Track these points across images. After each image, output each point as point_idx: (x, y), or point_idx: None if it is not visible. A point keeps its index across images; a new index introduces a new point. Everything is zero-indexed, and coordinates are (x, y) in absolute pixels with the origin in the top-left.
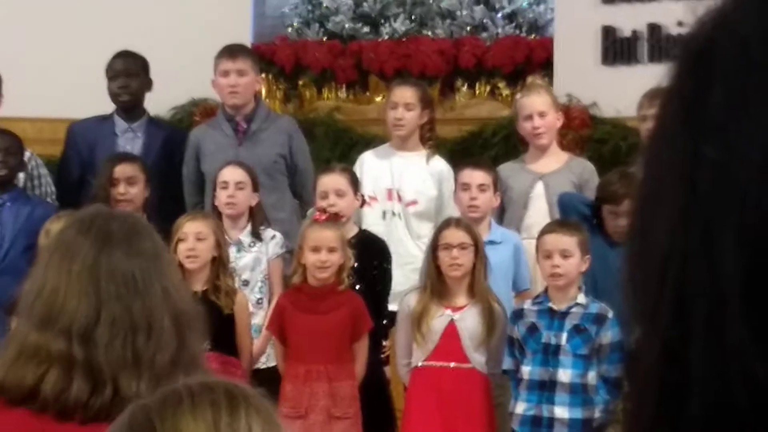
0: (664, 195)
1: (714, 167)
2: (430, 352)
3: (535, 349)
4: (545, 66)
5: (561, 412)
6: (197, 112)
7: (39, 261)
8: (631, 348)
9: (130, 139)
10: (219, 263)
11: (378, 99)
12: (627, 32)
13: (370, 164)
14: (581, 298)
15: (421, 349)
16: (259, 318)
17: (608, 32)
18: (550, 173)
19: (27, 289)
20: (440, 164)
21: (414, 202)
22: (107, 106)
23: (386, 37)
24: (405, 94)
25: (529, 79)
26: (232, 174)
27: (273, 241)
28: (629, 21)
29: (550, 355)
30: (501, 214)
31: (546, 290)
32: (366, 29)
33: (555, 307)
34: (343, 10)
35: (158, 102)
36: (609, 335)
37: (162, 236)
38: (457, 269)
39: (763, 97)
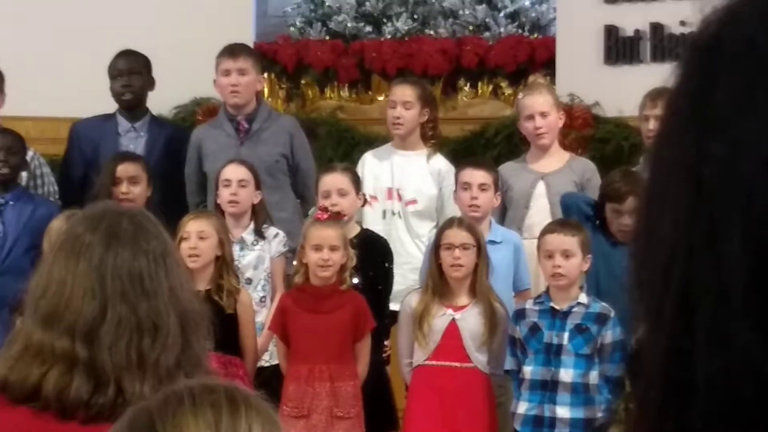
0: (670, 192)
1: (720, 164)
2: (432, 351)
3: (537, 348)
4: (548, 65)
5: (563, 411)
6: (200, 111)
7: (45, 257)
8: (633, 346)
9: (133, 138)
10: (223, 263)
11: (380, 98)
12: (629, 32)
13: (371, 164)
14: (583, 298)
15: (423, 348)
16: (262, 316)
17: (611, 31)
18: (551, 173)
19: (33, 286)
20: (440, 163)
21: (413, 201)
22: (110, 106)
23: (389, 36)
24: (403, 92)
25: (531, 78)
26: (234, 172)
27: (276, 239)
28: (632, 20)
29: (551, 354)
30: (502, 214)
31: (547, 290)
32: (368, 28)
33: (556, 307)
34: (346, 9)
35: (161, 101)
36: (610, 335)
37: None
38: (458, 269)
39: None
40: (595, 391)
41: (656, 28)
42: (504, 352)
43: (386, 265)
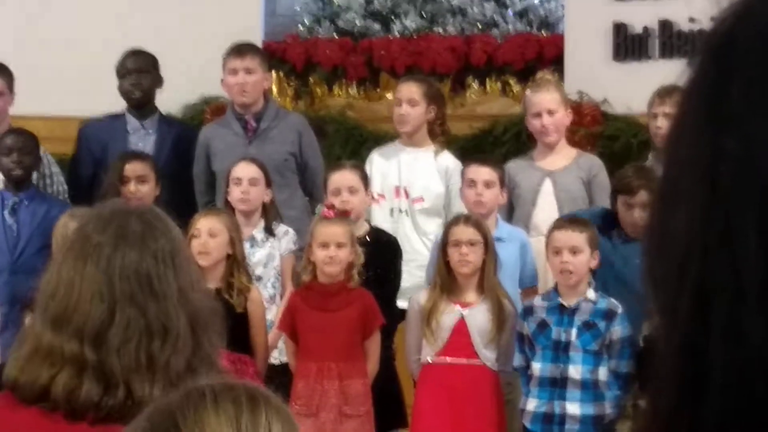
0: (685, 189)
1: (735, 161)
2: (440, 348)
3: (545, 345)
4: (556, 63)
5: (573, 408)
6: (209, 110)
7: (55, 257)
8: (641, 344)
9: (143, 137)
10: (234, 261)
11: (389, 96)
12: (638, 29)
13: (378, 162)
14: (591, 294)
15: (431, 345)
16: (272, 314)
17: (619, 29)
18: (558, 170)
19: (43, 286)
20: (447, 160)
21: (420, 199)
22: (118, 105)
23: (397, 34)
24: (409, 90)
25: (539, 74)
26: (245, 170)
27: (286, 237)
28: (640, 17)
29: (560, 351)
30: (510, 212)
31: (555, 286)
32: (377, 26)
33: (564, 303)
34: (354, 7)
35: (170, 100)
36: (619, 330)
37: None
38: (466, 266)
39: None
40: (605, 388)
41: (665, 25)
42: (512, 348)
43: (395, 262)
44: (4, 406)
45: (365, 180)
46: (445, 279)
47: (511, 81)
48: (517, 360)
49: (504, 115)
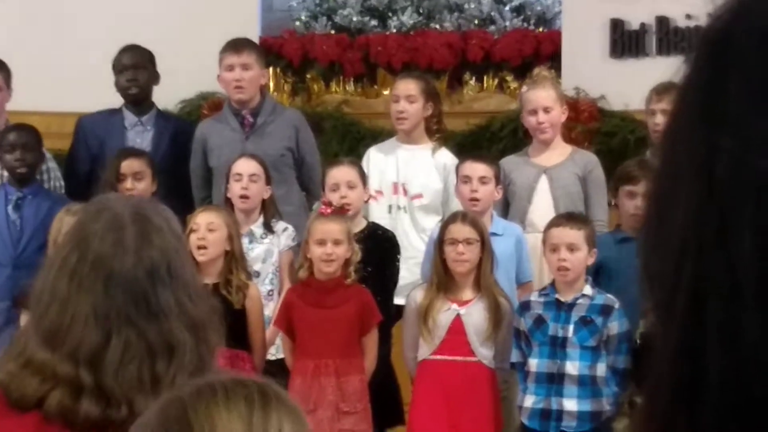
0: (680, 187)
1: (730, 158)
2: (437, 346)
3: (542, 341)
4: (553, 59)
5: (570, 404)
6: (205, 105)
7: (52, 262)
8: (637, 341)
9: (140, 132)
10: (232, 257)
11: (386, 92)
12: (635, 25)
13: (375, 159)
14: (588, 290)
15: (428, 343)
16: (270, 309)
17: (616, 25)
18: (553, 166)
19: (36, 293)
20: (445, 157)
21: (419, 196)
22: (115, 100)
23: (394, 30)
24: (407, 86)
25: (536, 71)
26: (245, 166)
27: (285, 233)
28: (637, 14)
29: (557, 347)
30: (505, 208)
31: (553, 282)
32: (374, 22)
33: (561, 299)
34: (351, 3)
35: (166, 96)
36: (616, 326)
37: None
38: (462, 264)
39: None
40: (603, 384)
41: (662, 21)
42: (509, 346)
43: (393, 258)
44: None
45: (363, 176)
46: (442, 277)
47: (508, 77)
48: (514, 356)
49: (501, 111)
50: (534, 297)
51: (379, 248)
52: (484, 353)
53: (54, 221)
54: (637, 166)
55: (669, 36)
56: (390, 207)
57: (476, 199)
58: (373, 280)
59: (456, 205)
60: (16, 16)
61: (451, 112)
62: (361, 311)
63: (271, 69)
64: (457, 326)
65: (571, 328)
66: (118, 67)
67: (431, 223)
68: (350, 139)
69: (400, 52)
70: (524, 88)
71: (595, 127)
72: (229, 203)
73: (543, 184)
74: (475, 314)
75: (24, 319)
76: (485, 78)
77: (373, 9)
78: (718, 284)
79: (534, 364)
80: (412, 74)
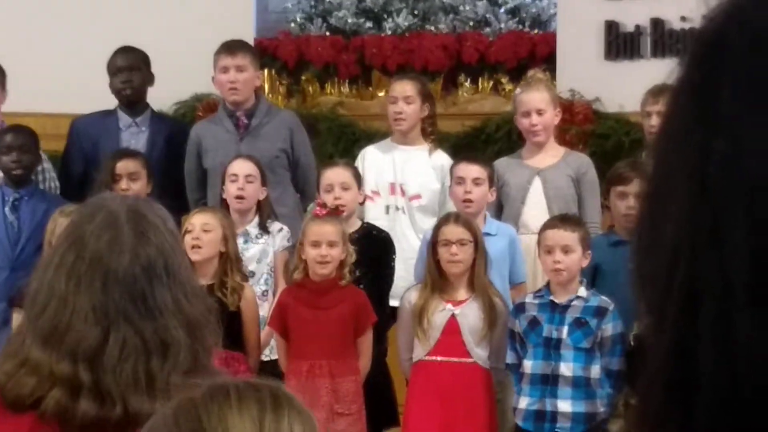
0: (674, 188)
1: (724, 161)
2: (432, 347)
3: (537, 342)
4: (548, 61)
5: (564, 406)
6: (200, 107)
7: (45, 261)
8: (631, 343)
9: (135, 134)
10: (227, 259)
11: (381, 94)
12: (630, 27)
13: (372, 159)
14: (582, 292)
15: (423, 344)
16: (264, 310)
17: (611, 27)
18: (547, 168)
19: (32, 295)
20: (442, 158)
21: (418, 197)
22: (110, 102)
23: (389, 32)
24: (404, 87)
25: (530, 73)
26: (241, 167)
27: (280, 234)
28: (632, 16)
29: (551, 349)
30: (499, 210)
31: (547, 284)
32: (369, 24)
33: (556, 301)
34: (346, 5)
35: (161, 97)
36: (610, 328)
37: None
38: (456, 266)
39: None
40: (597, 386)
41: (657, 23)
42: (504, 346)
43: (387, 258)
44: None
45: (358, 178)
46: (436, 278)
47: (503, 79)
48: (509, 357)
49: (496, 113)
50: (529, 299)
51: (373, 249)
52: (479, 353)
53: (48, 223)
54: (627, 166)
55: (664, 38)
56: (387, 207)
57: (470, 201)
58: (368, 281)
59: (452, 207)
60: (11, 17)
61: (446, 114)
62: (355, 312)
63: (266, 70)
64: (452, 326)
65: (565, 329)
66: (113, 69)
67: (430, 224)
68: (345, 141)
69: (395, 54)
70: (518, 91)
71: (589, 129)
72: (224, 204)
73: (536, 186)
74: (469, 314)
75: (16, 318)
76: (480, 80)
77: (368, 11)
78: (710, 284)
79: (528, 365)
80: (408, 75)
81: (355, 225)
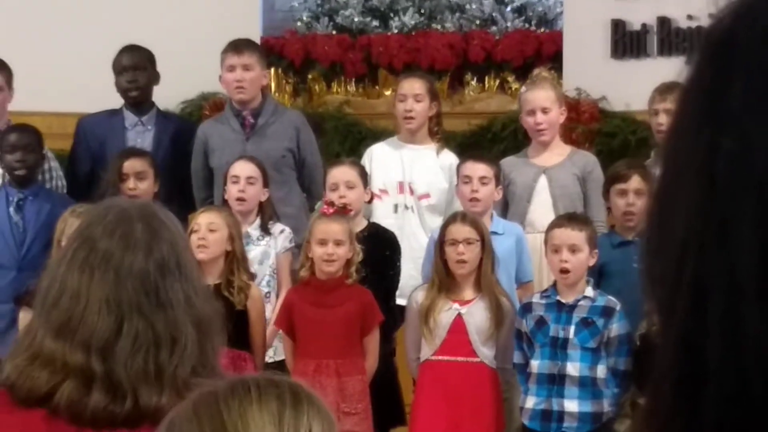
0: (683, 186)
1: (732, 159)
2: (438, 347)
3: (543, 342)
4: (554, 59)
5: (571, 405)
6: (207, 106)
7: (56, 259)
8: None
9: (141, 133)
10: (233, 258)
11: (387, 93)
12: (636, 26)
13: (379, 156)
14: (589, 291)
15: (429, 343)
16: (266, 312)
17: (618, 26)
18: (553, 167)
19: (44, 289)
20: (450, 157)
21: (427, 195)
22: (116, 101)
23: (395, 30)
24: (414, 85)
25: (536, 72)
26: (243, 168)
27: (282, 235)
28: (639, 14)
29: (558, 348)
30: (505, 209)
31: (554, 283)
32: (375, 23)
33: (563, 300)
34: (353, 3)
35: (168, 96)
36: (617, 328)
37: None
38: (463, 266)
39: None
40: (603, 385)
41: (663, 22)
42: (511, 346)
43: (394, 257)
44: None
45: (364, 177)
46: (443, 277)
47: (510, 78)
48: (516, 357)
49: (502, 111)
50: (535, 298)
51: (379, 248)
52: (486, 353)
53: (58, 222)
54: (625, 165)
55: (670, 37)
56: (396, 206)
57: (477, 199)
58: (374, 280)
59: (460, 206)
60: (17, 16)
61: (453, 113)
62: (362, 311)
63: (272, 69)
64: (458, 326)
65: (572, 329)
66: (118, 68)
67: (439, 224)
68: (351, 140)
69: (401, 53)
70: (523, 89)
71: (596, 127)
72: (227, 204)
73: (542, 185)
74: (476, 313)
75: (23, 317)
76: (486, 78)
77: (374, 9)
78: (719, 279)
79: (535, 365)
80: (417, 74)
81: (361, 224)
